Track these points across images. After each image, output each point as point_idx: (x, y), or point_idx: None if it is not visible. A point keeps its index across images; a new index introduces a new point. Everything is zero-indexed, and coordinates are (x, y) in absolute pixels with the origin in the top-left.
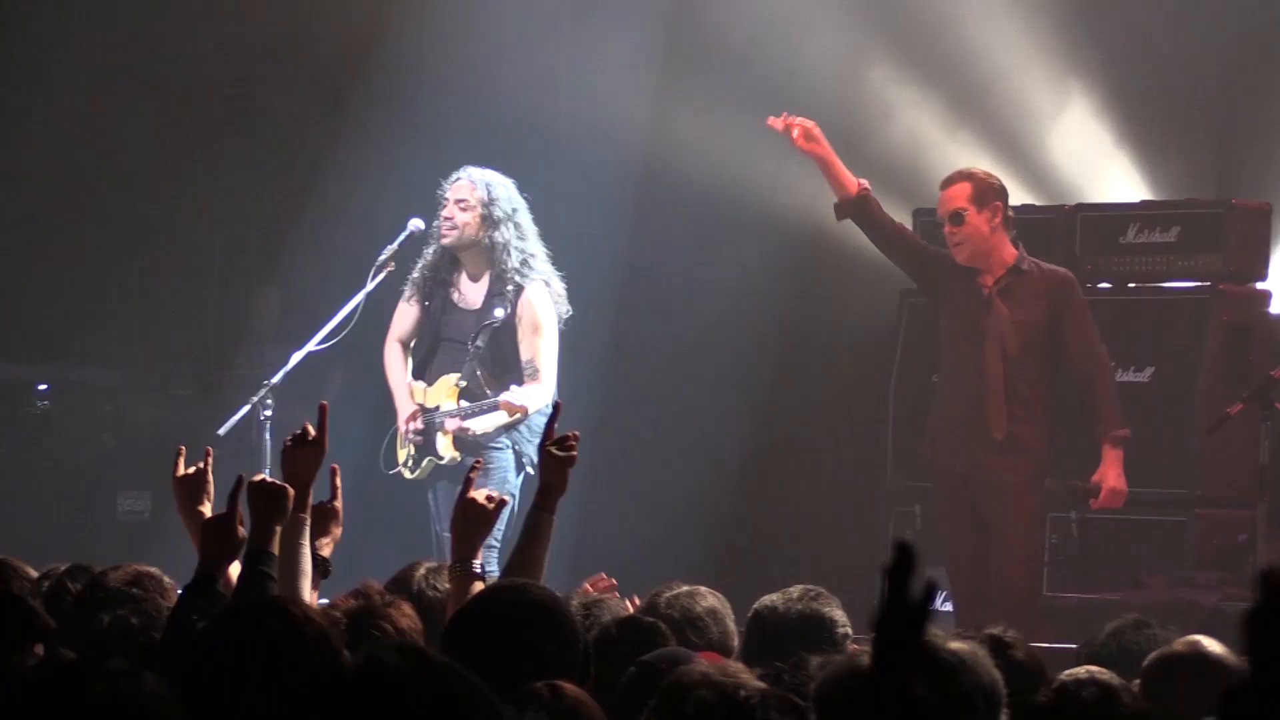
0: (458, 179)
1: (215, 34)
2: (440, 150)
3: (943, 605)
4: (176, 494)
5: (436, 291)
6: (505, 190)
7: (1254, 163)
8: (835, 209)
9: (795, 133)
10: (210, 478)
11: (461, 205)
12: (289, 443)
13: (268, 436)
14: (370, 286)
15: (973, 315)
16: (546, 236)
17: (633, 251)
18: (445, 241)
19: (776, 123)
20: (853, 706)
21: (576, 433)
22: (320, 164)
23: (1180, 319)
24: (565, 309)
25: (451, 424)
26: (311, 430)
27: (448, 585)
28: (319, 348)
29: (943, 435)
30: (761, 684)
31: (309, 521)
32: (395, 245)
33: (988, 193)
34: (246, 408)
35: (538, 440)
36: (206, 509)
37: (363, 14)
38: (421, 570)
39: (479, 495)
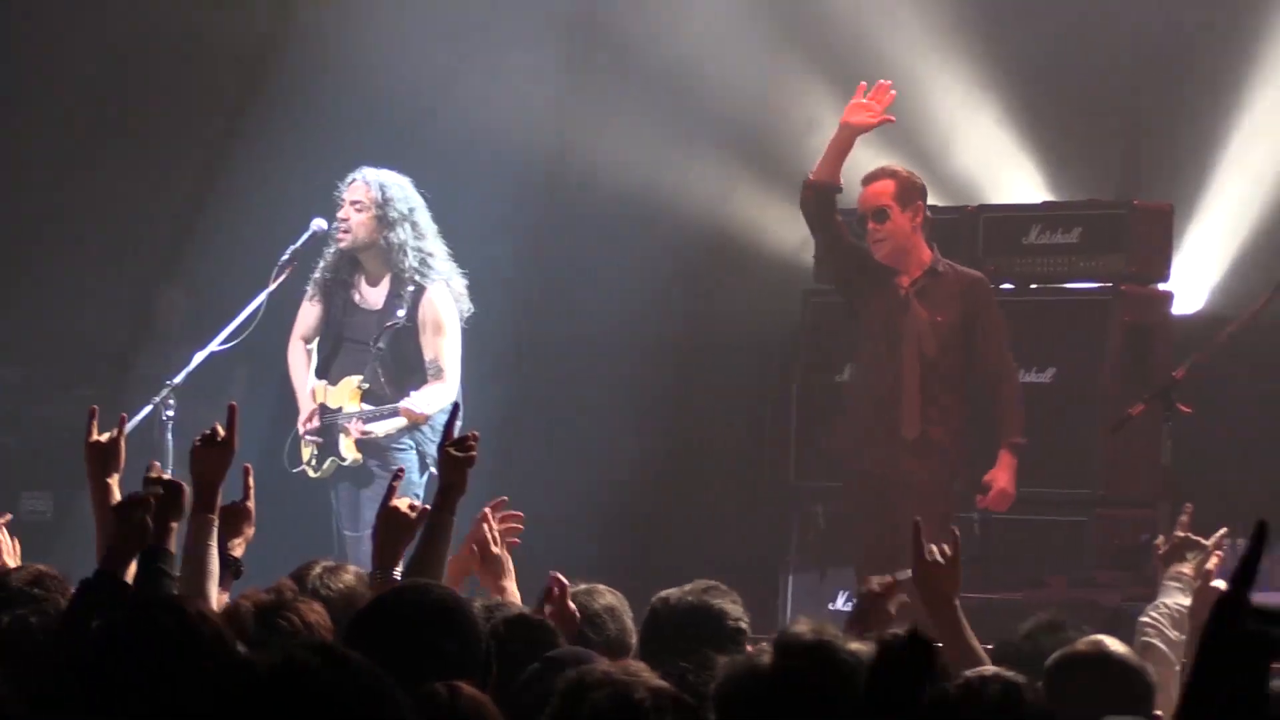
0: (352, 180)
1: (120, 32)
2: (344, 150)
3: (846, 605)
4: (88, 460)
5: (337, 292)
6: (401, 190)
7: (1156, 164)
8: (809, 185)
9: (872, 111)
10: (123, 446)
11: (356, 207)
12: (198, 443)
13: (170, 436)
14: (273, 286)
15: (890, 315)
16: (450, 236)
17: (536, 251)
18: (342, 244)
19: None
20: (752, 706)
21: (475, 433)
22: (224, 163)
23: (1082, 320)
24: (467, 306)
25: (354, 426)
26: (221, 431)
27: (341, 585)
28: (222, 348)
29: (855, 433)
30: (660, 683)
31: (217, 522)
32: (298, 245)
33: (911, 192)
34: (149, 408)
35: None
36: (114, 481)
37: (267, 13)
38: (317, 569)
39: (401, 504)
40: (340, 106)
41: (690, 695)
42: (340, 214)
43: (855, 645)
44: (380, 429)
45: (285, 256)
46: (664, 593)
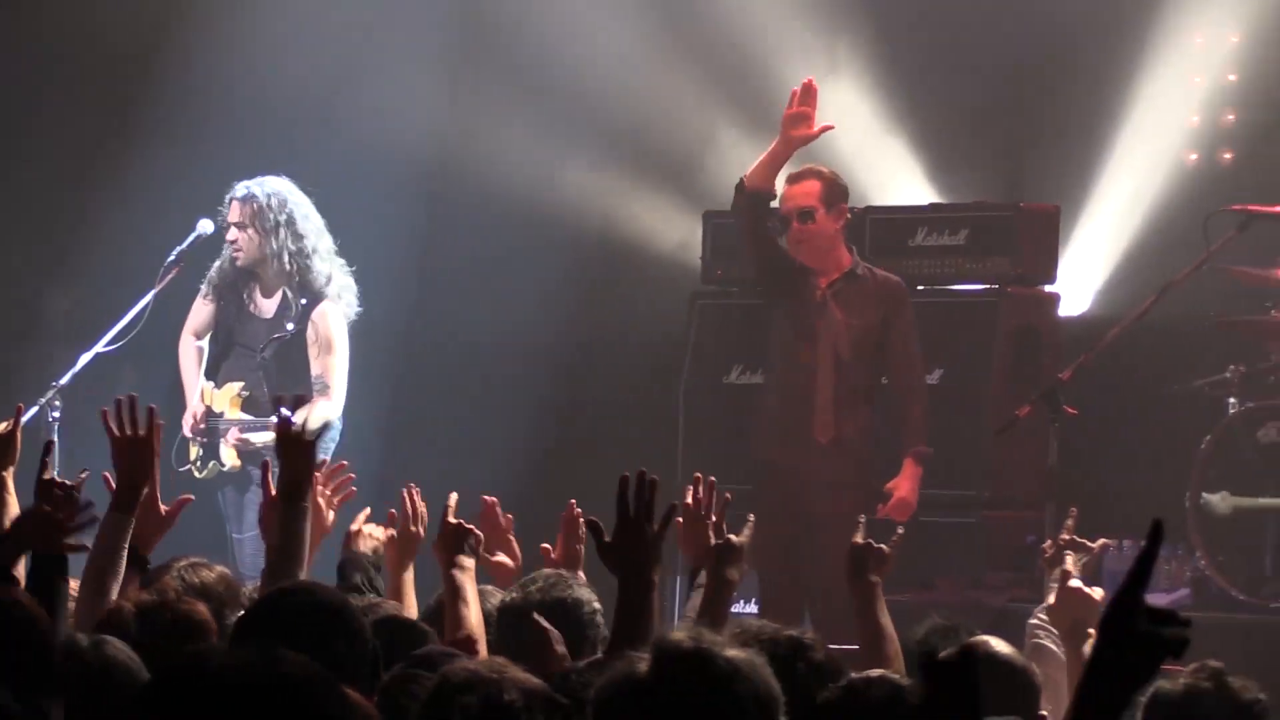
0: (230, 200)
1: (4, 30)
2: (231, 151)
3: (746, 607)
4: None
5: (231, 296)
6: (275, 198)
7: (1042, 166)
8: (743, 190)
9: (810, 123)
10: (19, 438)
11: (238, 226)
12: (120, 436)
13: (56, 438)
14: (159, 287)
15: (807, 317)
16: (339, 239)
17: (425, 253)
18: (239, 264)
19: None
20: (629, 712)
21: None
22: (111, 163)
23: (969, 322)
24: (352, 301)
25: (232, 434)
26: (140, 429)
27: (198, 580)
28: (108, 348)
29: (770, 434)
30: (529, 680)
31: (134, 523)
32: (185, 246)
33: (837, 193)
34: (35, 409)
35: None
36: (9, 474)
37: (152, 13)
38: (181, 564)
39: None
40: (227, 107)
41: (569, 698)
42: (229, 237)
43: (733, 652)
44: (258, 439)
45: (171, 258)
46: (506, 595)
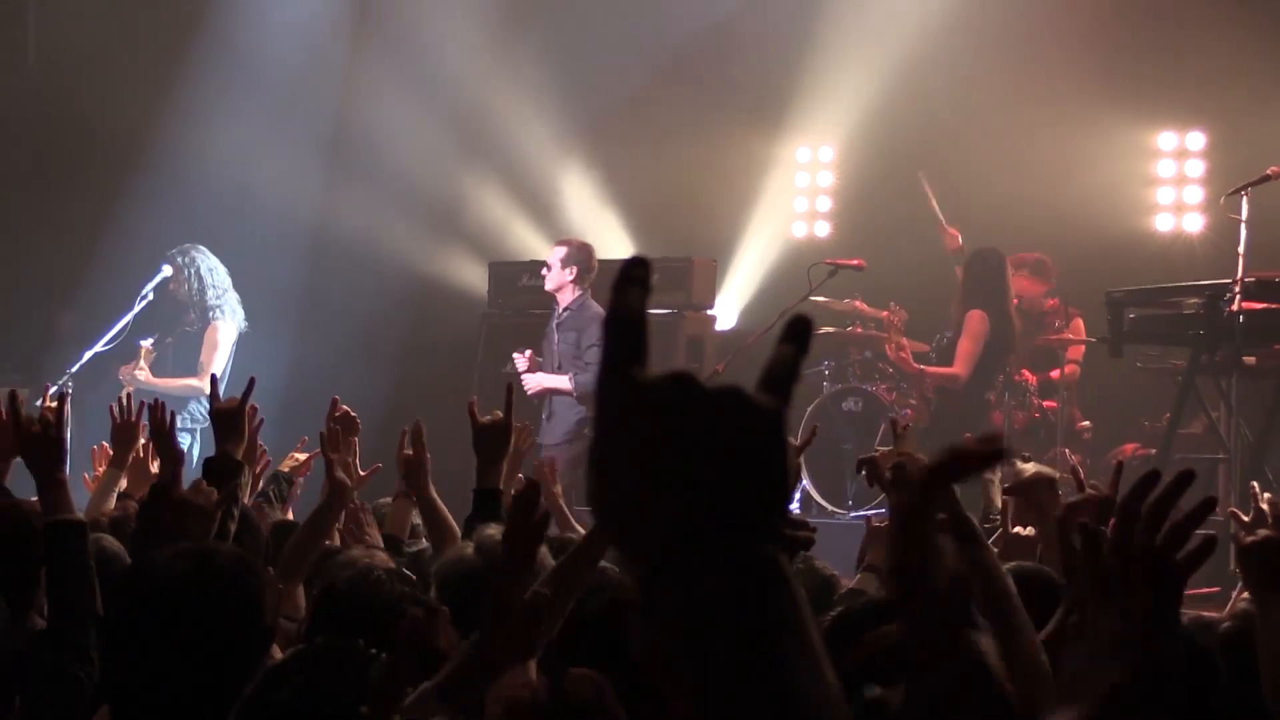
0: (164, 264)
1: (23, 114)
2: (178, 215)
3: None
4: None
5: (171, 322)
6: (191, 264)
7: (705, 233)
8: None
9: None
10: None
11: (172, 279)
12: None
13: (68, 408)
14: (137, 309)
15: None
16: (248, 261)
17: (312, 289)
18: (179, 299)
19: None
20: (460, 584)
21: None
22: (103, 221)
23: (661, 335)
24: (242, 321)
25: (123, 371)
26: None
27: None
28: (105, 348)
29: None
30: (389, 561)
31: (121, 474)
32: (154, 283)
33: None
34: (54, 388)
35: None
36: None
37: (137, 109)
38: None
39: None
40: (173, 185)
41: (417, 575)
42: (170, 287)
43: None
44: (139, 375)
45: (145, 290)
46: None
